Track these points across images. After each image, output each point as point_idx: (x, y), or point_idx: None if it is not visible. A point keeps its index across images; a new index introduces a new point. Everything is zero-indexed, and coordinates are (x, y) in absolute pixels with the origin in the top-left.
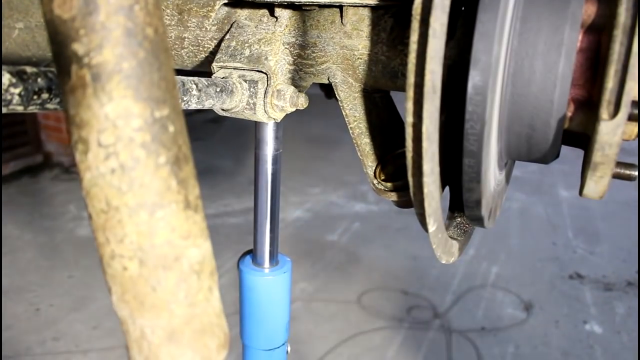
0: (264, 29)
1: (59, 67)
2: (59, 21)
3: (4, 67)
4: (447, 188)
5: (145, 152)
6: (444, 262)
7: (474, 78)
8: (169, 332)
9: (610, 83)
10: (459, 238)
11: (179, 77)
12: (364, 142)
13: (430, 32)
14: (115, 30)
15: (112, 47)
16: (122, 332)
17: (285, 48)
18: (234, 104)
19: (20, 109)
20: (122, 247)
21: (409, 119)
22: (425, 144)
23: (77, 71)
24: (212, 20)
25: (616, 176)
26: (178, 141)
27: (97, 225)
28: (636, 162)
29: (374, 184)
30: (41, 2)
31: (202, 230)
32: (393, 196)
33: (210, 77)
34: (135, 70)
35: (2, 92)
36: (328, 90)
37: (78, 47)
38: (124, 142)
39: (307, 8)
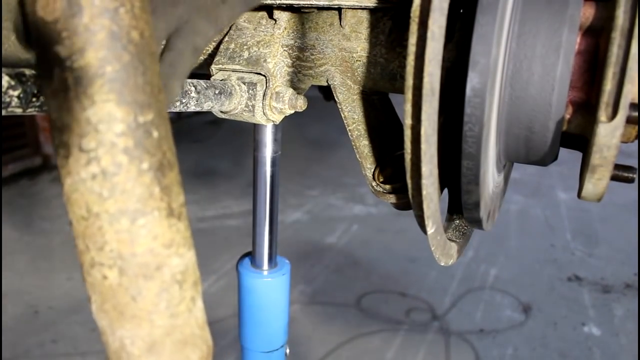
0: (263, 32)
1: (42, 69)
2: (42, 23)
3: (2, 69)
4: (445, 190)
5: (127, 158)
6: (442, 264)
7: (473, 80)
8: (150, 343)
9: (609, 85)
10: (457, 240)
11: None
12: (362, 144)
13: (429, 34)
14: (99, 33)
15: (95, 50)
16: (102, 343)
17: (284, 50)
18: (233, 106)
19: (19, 111)
20: (102, 255)
21: (407, 121)
22: (423, 146)
23: (60, 74)
24: None
25: (614, 178)
26: (162, 147)
27: (77, 232)
28: (635, 165)
29: (372, 186)
30: (24, 3)
31: (186, 239)
32: (392, 198)
33: (209, 79)
34: (119, 73)
35: (1, 94)
36: (327, 92)
37: (61, 50)
38: (105, 147)
39: (306, 10)
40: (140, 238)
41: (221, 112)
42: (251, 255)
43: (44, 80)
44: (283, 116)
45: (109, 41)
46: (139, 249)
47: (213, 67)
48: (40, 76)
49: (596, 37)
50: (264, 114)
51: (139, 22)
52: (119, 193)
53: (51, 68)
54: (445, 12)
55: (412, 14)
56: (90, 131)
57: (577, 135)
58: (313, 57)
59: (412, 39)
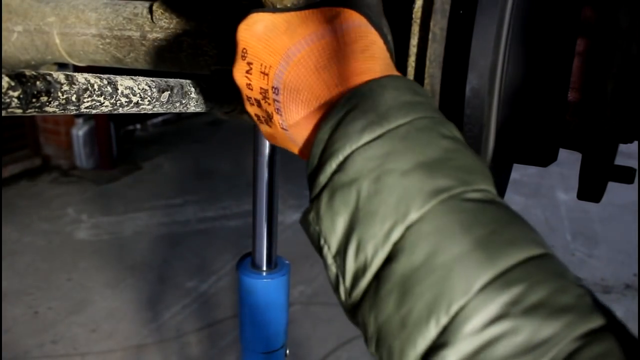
0: None
1: None
2: None
3: (2, 70)
4: None
5: None
6: None
7: (472, 81)
8: None
9: (608, 86)
10: None
11: (178, 80)
12: None
13: (430, 36)
14: None
15: None
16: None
17: None
18: (233, 106)
19: (19, 112)
20: None
21: None
22: None
23: None
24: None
25: (614, 179)
26: None
27: None
28: (635, 165)
29: None
30: None
31: None
32: None
33: (209, 79)
34: None
35: (1, 95)
36: None
37: None
38: None
39: None
40: None
41: (221, 113)
42: (251, 256)
43: None
44: None
45: None
46: None
47: (213, 68)
48: None
49: (596, 37)
50: None
51: None
52: None
53: None
54: (447, 14)
55: (413, 15)
56: None
57: (577, 136)
58: None
59: (414, 41)
